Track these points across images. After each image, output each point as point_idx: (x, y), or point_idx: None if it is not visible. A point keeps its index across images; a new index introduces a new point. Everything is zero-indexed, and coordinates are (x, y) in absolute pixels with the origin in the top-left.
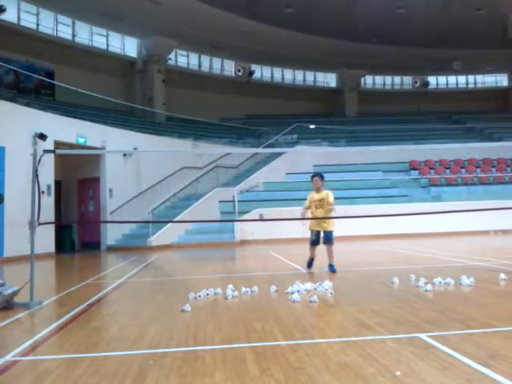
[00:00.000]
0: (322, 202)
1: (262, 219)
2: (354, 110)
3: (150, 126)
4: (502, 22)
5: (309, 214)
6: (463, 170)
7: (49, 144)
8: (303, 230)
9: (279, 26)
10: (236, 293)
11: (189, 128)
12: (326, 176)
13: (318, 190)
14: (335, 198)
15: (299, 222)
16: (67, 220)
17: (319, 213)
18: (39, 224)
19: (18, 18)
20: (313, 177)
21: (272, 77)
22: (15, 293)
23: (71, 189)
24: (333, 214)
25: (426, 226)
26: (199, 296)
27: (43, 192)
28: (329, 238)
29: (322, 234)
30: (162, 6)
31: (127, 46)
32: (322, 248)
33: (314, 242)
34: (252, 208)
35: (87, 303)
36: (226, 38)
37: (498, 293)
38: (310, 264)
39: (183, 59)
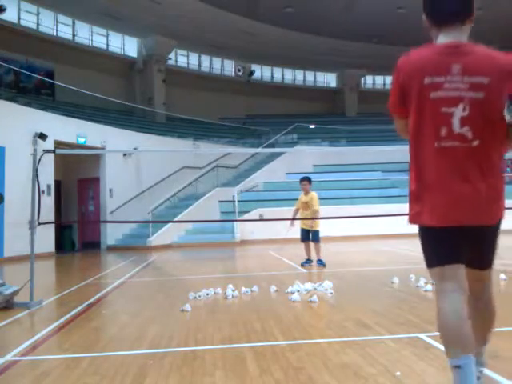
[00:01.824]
0: (307, 204)
1: (261, 219)
2: (354, 110)
3: (149, 126)
4: (502, 21)
5: (298, 214)
6: None
7: (49, 144)
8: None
9: (279, 26)
10: (236, 293)
11: (189, 128)
12: (326, 176)
13: (305, 193)
14: (335, 199)
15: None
16: (67, 220)
17: (306, 213)
18: (39, 224)
19: (18, 18)
20: (301, 180)
21: (272, 77)
22: (15, 292)
23: (71, 189)
24: (321, 215)
25: None
26: (199, 296)
27: (43, 192)
28: (315, 237)
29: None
30: (162, 5)
31: (127, 45)
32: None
33: (303, 239)
34: (252, 208)
35: (87, 303)
36: (226, 38)
37: (498, 293)
38: (305, 263)
39: (183, 59)
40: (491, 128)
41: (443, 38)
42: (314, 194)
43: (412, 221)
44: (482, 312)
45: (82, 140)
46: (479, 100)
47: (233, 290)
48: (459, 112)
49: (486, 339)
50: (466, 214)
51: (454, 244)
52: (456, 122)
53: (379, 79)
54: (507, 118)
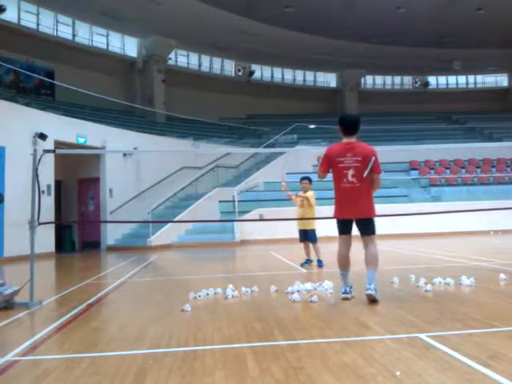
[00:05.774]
0: (303, 202)
1: (262, 219)
2: (354, 110)
3: (150, 126)
4: (501, 21)
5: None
6: (463, 170)
7: (49, 144)
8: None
9: (279, 26)
10: (236, 293)
11: (189, 128)
12: (326, 176)
13: (304, 192)
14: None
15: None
16: (67, 220)
17: (301, 212)
18: (39, 224)
19: (18, 18)
20: (302, 179)
21: (272, 77)
22: (15, 292)
23: (71, 189)
24: (318, 215)
25: (426, 225)
26: (199, 296)
27: (43, 192)
28: (311, 237)
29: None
30: (162, 5)
31: (127, 45)
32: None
33: (301, 240)
34: (252, 208)
35: (87, 303)
36: (226, 38)
37: (498, 293)
38: (304, 263)
39: (183, 59)
40: (364, 179)
41: (345, 139)
42: (311, 192)
43: (335, 216)
44: (369, 254)
45: (82, 140)
46: (358, 167)
47: (233, 290)
48: (350, 172)
49: (374, 266)
50: (352, 214)
51: (347, 227)
52: (349, 176)
53: (379, 79)
54: (365, 174)
